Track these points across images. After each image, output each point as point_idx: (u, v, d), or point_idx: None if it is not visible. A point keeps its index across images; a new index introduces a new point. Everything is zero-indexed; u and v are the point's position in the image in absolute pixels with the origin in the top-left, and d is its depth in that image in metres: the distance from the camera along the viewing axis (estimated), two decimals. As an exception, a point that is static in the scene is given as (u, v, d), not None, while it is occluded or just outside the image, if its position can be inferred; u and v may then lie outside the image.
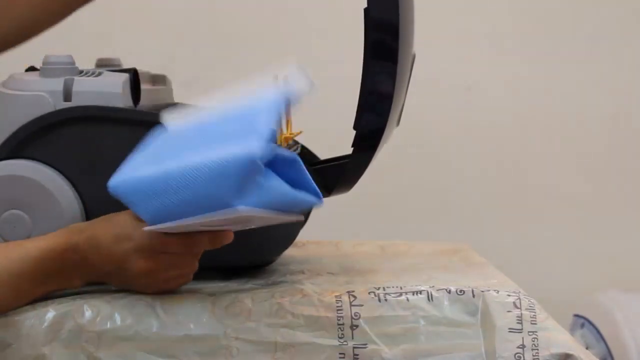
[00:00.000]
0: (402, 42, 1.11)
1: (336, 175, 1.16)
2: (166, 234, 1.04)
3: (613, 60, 2.01)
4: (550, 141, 2.00)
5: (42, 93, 1.13)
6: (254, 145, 0.95)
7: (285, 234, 1.20)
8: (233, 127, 0.99)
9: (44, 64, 1.15)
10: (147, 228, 1.02)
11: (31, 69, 1.21)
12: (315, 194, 1.02)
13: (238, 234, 1.06)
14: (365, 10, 1.09)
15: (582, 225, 2.01)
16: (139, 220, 1.04)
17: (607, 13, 2.01)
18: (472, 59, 1.96)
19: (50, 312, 1.05)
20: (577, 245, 2.01)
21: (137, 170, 1.01)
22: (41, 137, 1.12)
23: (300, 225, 1.23)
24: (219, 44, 1.91)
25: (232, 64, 1.90)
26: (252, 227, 1.06)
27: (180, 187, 0.98)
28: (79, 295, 1.09)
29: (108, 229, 1.05)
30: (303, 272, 1.18)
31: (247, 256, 1.17)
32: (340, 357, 1.06)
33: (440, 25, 1.96)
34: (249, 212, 0.96)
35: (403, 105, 1.21)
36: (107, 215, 1.07)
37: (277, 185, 1.00)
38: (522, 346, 1.07)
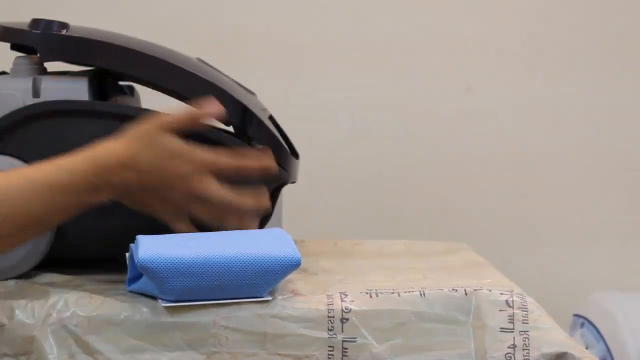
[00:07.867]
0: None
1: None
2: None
3: (612, 64, 2.01)
4: (551, 141, 1.99)
5: (12, 92, 1.15)
6: (296, 254, 1.07)
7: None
8: (265, 240, 1.09)
9: (14, 65, 1.20)
10: (167, 304, 1.04)
11: (2, 74, 1.25)
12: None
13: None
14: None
15: (582, 225, 2.01)
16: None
17: (607, 16, 2.00)
18: (472, 59, 1.96)
19: (42, 297, 1.06)
20: (577, 245, 2.00)
21: (170, 250, 1.04)
22: (11, 133, 1.15)
23: None
24: (219, 44, 1.91)
25: (232, 64, 1.90)
26: None
27: (220, 272, 1.04)
28: (70, 281, 1.09)
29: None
30: (299, 270, 1.18)
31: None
32: (329, 351, 1.06)
33: (441, 26, 1.96)
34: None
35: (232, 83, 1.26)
36: (143, 140, 1.08)
37: None
38: (514, 346, 1.07)
